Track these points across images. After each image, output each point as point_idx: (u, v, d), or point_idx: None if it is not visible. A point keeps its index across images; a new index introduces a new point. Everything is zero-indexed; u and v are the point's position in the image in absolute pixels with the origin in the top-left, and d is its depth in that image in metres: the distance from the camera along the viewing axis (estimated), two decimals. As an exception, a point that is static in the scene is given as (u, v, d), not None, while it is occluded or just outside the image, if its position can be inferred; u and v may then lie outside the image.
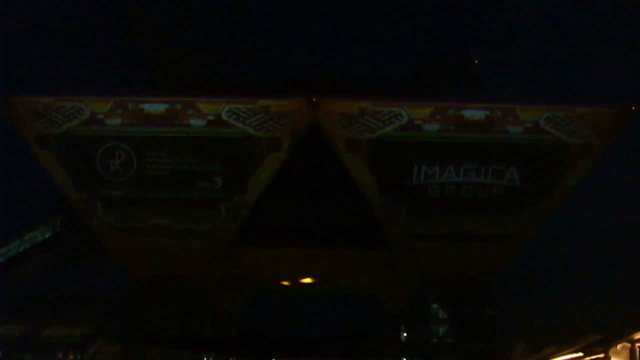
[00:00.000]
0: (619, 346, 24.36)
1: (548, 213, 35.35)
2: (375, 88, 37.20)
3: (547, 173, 34.41)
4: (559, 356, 28.68)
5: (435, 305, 38.73)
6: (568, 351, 27.61)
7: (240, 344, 41.54)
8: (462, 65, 39.04)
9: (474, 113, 33.75)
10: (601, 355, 24.90)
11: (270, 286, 46.67)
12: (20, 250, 39.88)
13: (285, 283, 44.65)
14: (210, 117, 33.61)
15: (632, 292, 34.53)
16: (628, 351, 24.12)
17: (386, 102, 33.70)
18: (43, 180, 36.67)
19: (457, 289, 36.13)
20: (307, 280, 43.43)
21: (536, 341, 33.47)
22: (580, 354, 26.46)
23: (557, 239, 44.86)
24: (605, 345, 24.74)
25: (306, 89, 34.40)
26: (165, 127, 33.77)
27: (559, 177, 34.45)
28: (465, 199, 34.45)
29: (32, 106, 33.64)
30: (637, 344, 23.70)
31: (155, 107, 33.66)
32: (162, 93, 34.55)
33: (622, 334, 24.24)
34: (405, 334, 43.18)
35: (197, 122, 33.66)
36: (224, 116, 33.57)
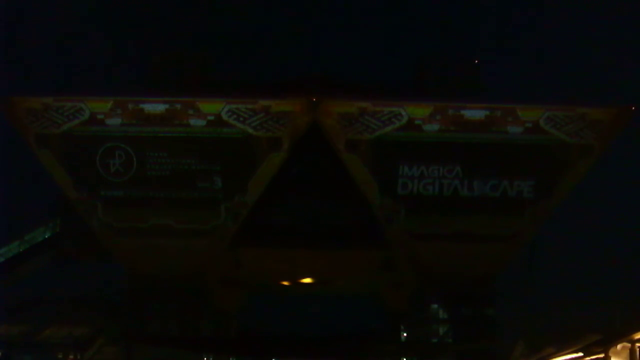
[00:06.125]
0: (619, 346, 24.40)
1: (548, 213, 35.32)
2: (375, 88, 37.20)
3: (547, 173, 34.39)
4: (559, 356, 28.71)
5: (435, 305, 38.68)
6: (568, 351, 27.65)
7: (240, 344, 41.45)
8: (462, 65, 39.00)
9: (474, 113, 33.73)
10: (601, 355, 24.93)
11: (270, 286, 46.61)
12: (20, 250, 39.80)
13: (285, 283, 44.59)
14: (210, 117, 33.58)
15: (632, 292, 34.51)
16: (628, 351, 24.16)
17: (386, 102, 33.68)
18: (43, 180, 36.74)
19: (457, 289, 36.12)
20: (307, 280, 43.36)
21: (536, 341, 33.51)
22: (580, 354, 26.50)
23: (557, 239, 44.85)
24: (605, 345, 24.79)
25: (306, 89, 34.41)
26: (165, 127, 33.74)
27: (559, 177, 34.44)
28: (465, 199, 34.44)
29: (32, 106, 33.60)
30: (637, 344, 23.73)
31: (155, 107, 33.63)
32: (162, 93, 34.55)
33: (622, 334, 24.28)
34: (405, 334, 43.12)
35: (197, 122, 33.64)
36: (224, 116, 33.55)
